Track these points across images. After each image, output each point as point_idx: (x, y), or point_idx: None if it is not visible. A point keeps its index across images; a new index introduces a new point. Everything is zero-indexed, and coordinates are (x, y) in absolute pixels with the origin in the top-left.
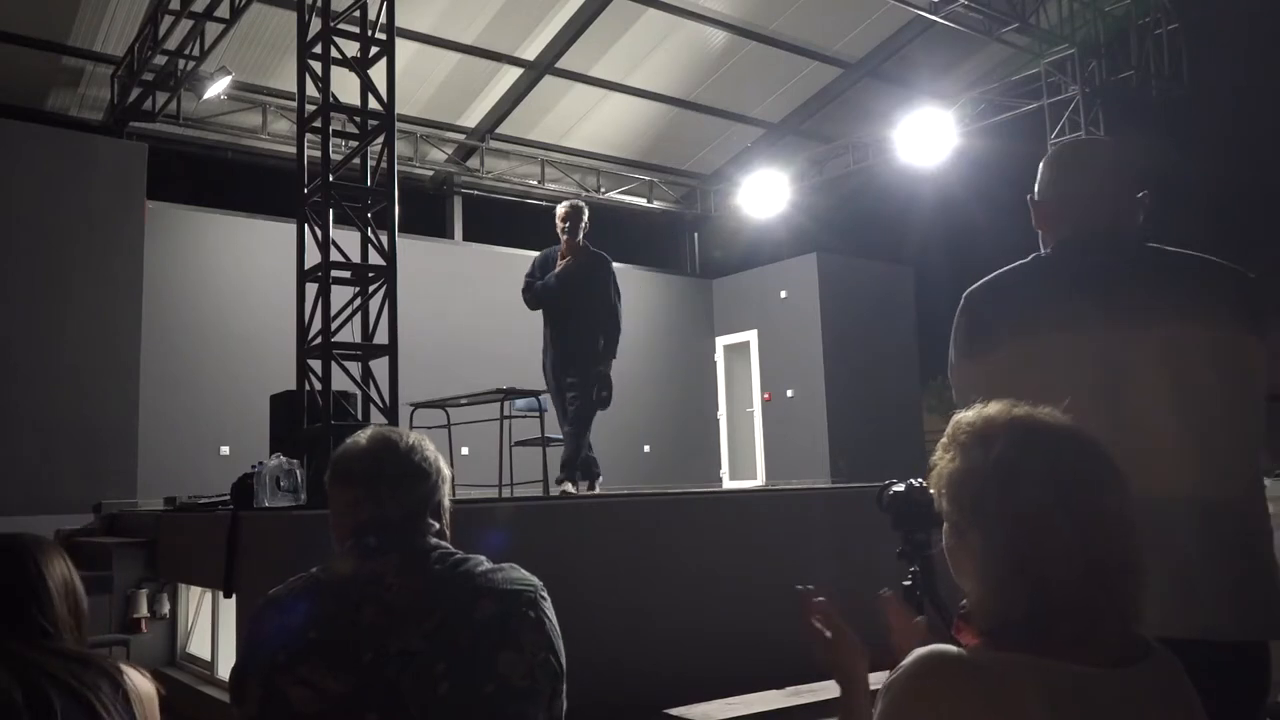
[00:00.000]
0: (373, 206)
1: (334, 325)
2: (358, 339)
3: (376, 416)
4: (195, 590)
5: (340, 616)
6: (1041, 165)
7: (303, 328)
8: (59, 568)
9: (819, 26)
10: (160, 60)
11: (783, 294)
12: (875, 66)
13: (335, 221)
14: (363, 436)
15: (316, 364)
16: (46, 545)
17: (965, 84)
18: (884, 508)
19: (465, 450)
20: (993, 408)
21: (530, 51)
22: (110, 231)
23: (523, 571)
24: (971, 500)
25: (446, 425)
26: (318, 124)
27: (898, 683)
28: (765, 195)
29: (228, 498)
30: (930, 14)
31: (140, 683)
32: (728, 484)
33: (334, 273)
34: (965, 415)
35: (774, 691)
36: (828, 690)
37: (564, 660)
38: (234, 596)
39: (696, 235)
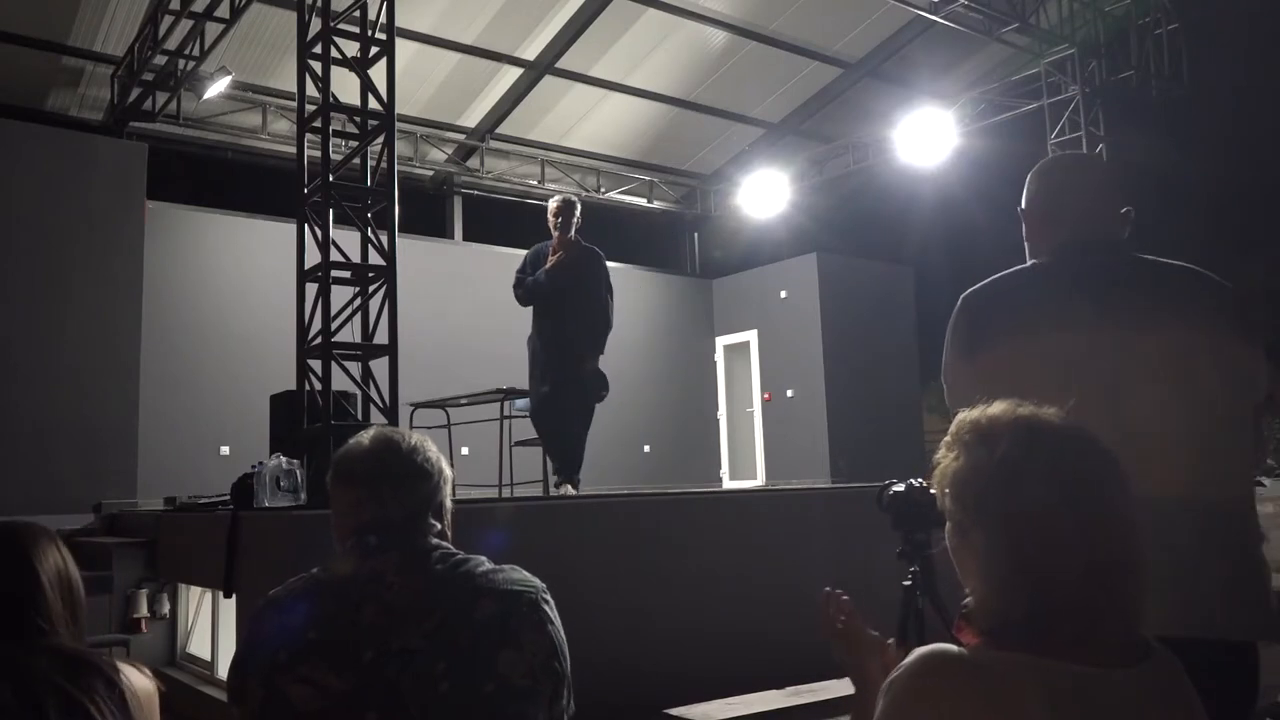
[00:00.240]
0: (373, 206)
1: (334, 325)
2: (358, 339)
3: (376, 416)
4: (195, 590)
5: (341, 616)
6: (1031, 178)
7: (303, 328)
8: (52, 557)
9: (819, 26)
10: (160, 60)
11: (783, 294)
12: (875, 66)
13: (335, 221)
14: (365, 437)
15: (316, 364)
16: (38, 533)
17: (965, 84)
18: (884, 508)
19: (465, 450)
20: (996, 407)
21: (530, 51)
22: (110, 231)
23: (524, 573)
24: (975, 499)
25: (446, 425)
26: (318, 124)
27: (898, 682)
28: (765, 195)
29: (228, 498)
30: (930, 14)
31: (138, 680)
32: (728, 484)
33: (334, 273)
34: (969, 414)
35: (774, 691)
36: (828, 690)
37: (568, 664)
38: (234, 596)
39: (696, 235)
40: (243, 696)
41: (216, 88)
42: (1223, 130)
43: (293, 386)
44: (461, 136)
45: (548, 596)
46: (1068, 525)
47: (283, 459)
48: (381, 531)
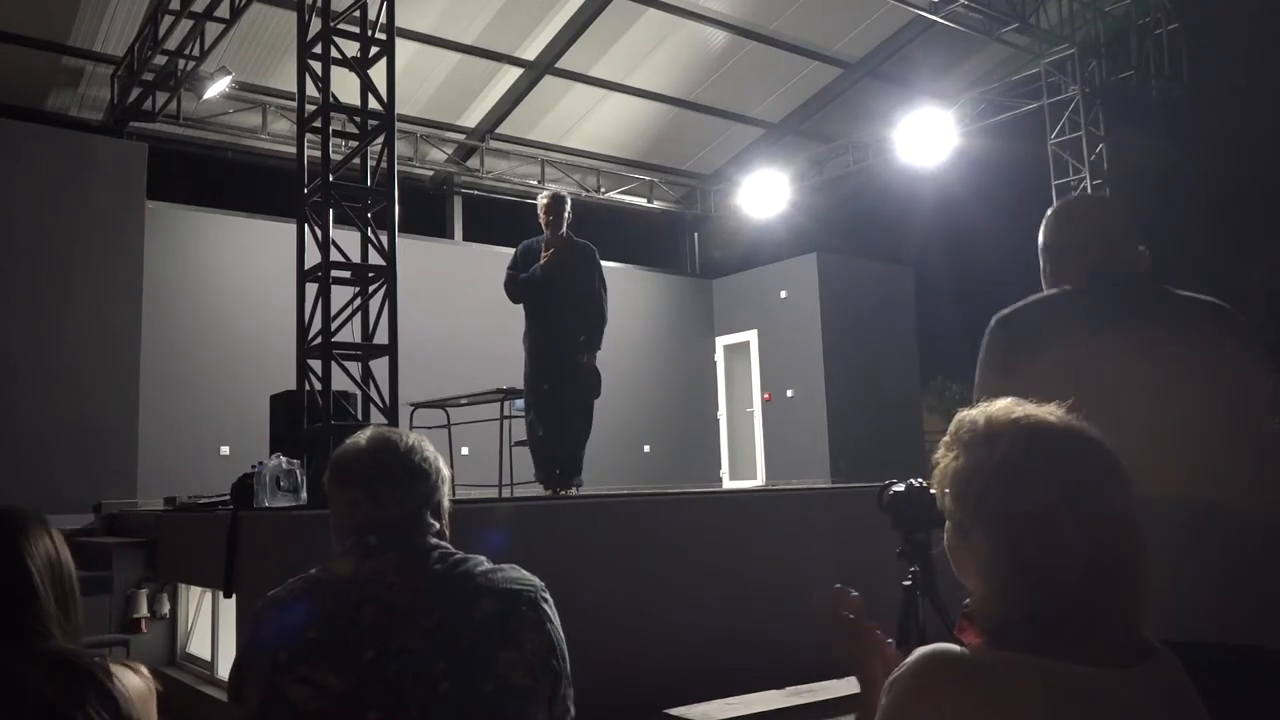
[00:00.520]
0: (373, 206)
1: (334, 325)
2: (358, 339)
3: (376, 416)
4: (195, 590)
5: (340, 616)
6: (1051, 217)
7: (303, 328)
8: (43, 546)
9: (819, 26)
10: (160, 60)
11: (783, 294)
12: (875, 66)
13: (335, 221)
14: (362, 437)
15: (316, 364)
16: (29, 521)
17: (965, 84)
18: (884, 508)
19: (465, 450)
20: (996, 406)
21: (530, 51)
22: (110, 231)
23: (523, 572)
24: (975, 499)
25: (446, 425)
26: (318, 124)
27: (899, 681)
28: (765, 195)
29: (228, 498)
30: (930, 14)
31: (133, 683)
32: (728, 484)
33: (334, 273)
34: (969, 413)
35: (774, 691)
36: (828, 690)
37: (567, 663)
38: (234, 596)
39: (696, 235)
40: (243, 697)
41: (216, 88)
42: (1223, 130)
43: (293, 386)
44: (461, 136)
45: (546, 595)
46: (1068, 525)
47: (283, 459)
48: (380, 531)
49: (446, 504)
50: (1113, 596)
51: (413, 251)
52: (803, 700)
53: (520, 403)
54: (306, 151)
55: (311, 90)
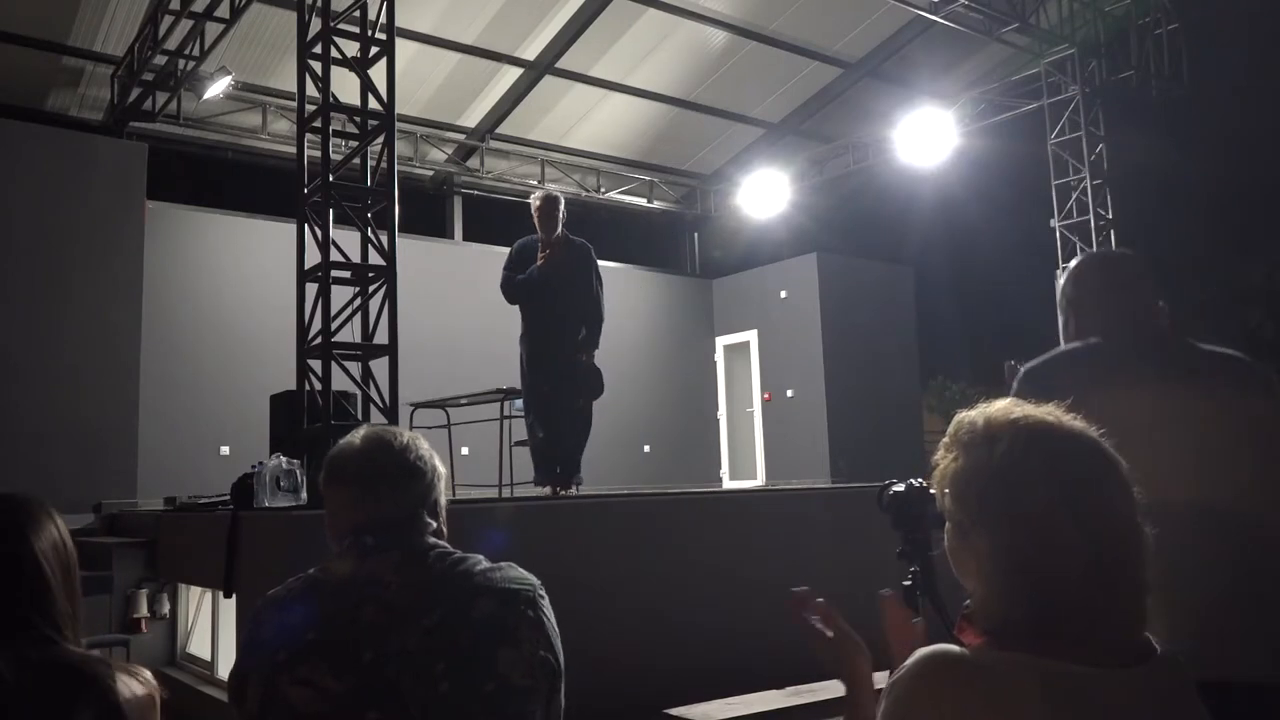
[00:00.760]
0: (373, 206)
1: (334, 325)
2: (358, 339)
3: (376, 416)
4: (195, 590)
5: (340, 616)
6: (1072, 271)
7: (303, 328)
8: (49, 534)
9: (819, 26)
10: (160, 60)
11: (783, 294)
12: (875, 66)
13: (335, 221)
14: (357, 436)
15: (316, 364)
16: (34, 507)
17: (965, 84)
18: (884, 508)
19: (465, 450)
20: (996, 407)
21: (530, 51)
22: (110, 231)
23: (521, 570)
24: (975, 499)
25: (446, 425)
26: (318, 124)
27: (900, 682)
28: (765, 195)
29: (228, 498)
30: (930, 14)
31: (135, 689)
32: (728, 484)
33: (334, 273)
34: (968, 414)
35: (774, 691)
36: (828, 690)
37: (562, 659)
38: (234, 596)
39: (696, 235)
40: (243, 698)
41: (216, 88)
42: (1223, 130)
43: (293, 386)
44: (461, 136)
45: (543, 593)
46: (1067, 525)
47: (283, 459)
48: (378, 531)
49: (443, 503)
50: (1113, 597)
51: (413, 251)
52: (803, 700)
53: (520, 403)
54: (306, 151)
55: (311, 90)
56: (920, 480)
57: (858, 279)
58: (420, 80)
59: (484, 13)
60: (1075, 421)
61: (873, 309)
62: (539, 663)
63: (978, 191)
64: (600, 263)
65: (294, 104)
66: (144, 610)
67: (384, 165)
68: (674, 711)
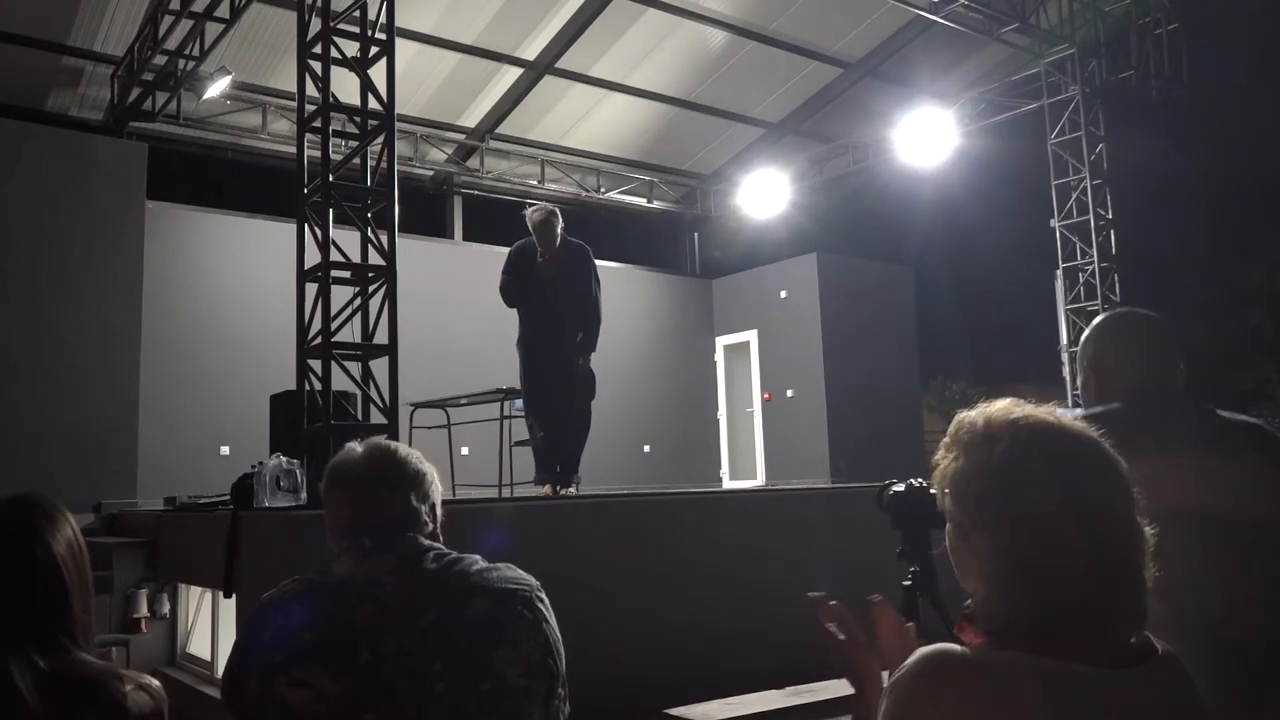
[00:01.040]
0: (373, 206)
1: (334, 325)
2: (358, 339)
3: (376, 416)
4: (195, 590)
5: (336, 617)
6: (1093, 330)
7: (303, 328)
8: (67, 538)
9: (819, 26)
10: (160, 60)
11: (783, 294)
12: (875, 66)
13: (335, 221)
14: (357, 446)
15: (316, 364)
16: (53, 510)
17: (965, 84)
18: (884, 508)
19: (465, 450)
20: (996, 407)
21: (530, 51)
22: (110, 231)
23: (518, 571)
24: (975, 499)
25: (446, 425)
26: (318, 124)
27: (901, 682)
28: (765, 195)
29: (228, 498)
30: (930, 14)
31: (142, 700)
32: (728, 484)
33: (334, 273)
34: (968, 414)
35: (774, 691)
36: (828, 690)
37: (562, 661)
38: (234, 596)
39: (696, 235)
40: (239, 700)
41: (216, 88)
42: (1223, 130)
43: (293, 386)
44: (461, 136)
45: (542, 594)
46: (1068, 525)
47: (283, 459)
48: (375, 533)
49: (439, 505)
50: (1113, 596)
51: (412, 251)
52: (803, 700)
53: (520, 403)
54: (306, 151)
55: (311, 90)
56: (920, 480)
57: (858, 279)
58: (420, 80)
59: (484, 13)
60: (1075, 422)
61: (873, 309)
62: (536, 662)
63: (978, 191)
64: (600, 263)
65: (294, 104)
66: (144, 610)
67: (384, 165)
68: (674, 711)
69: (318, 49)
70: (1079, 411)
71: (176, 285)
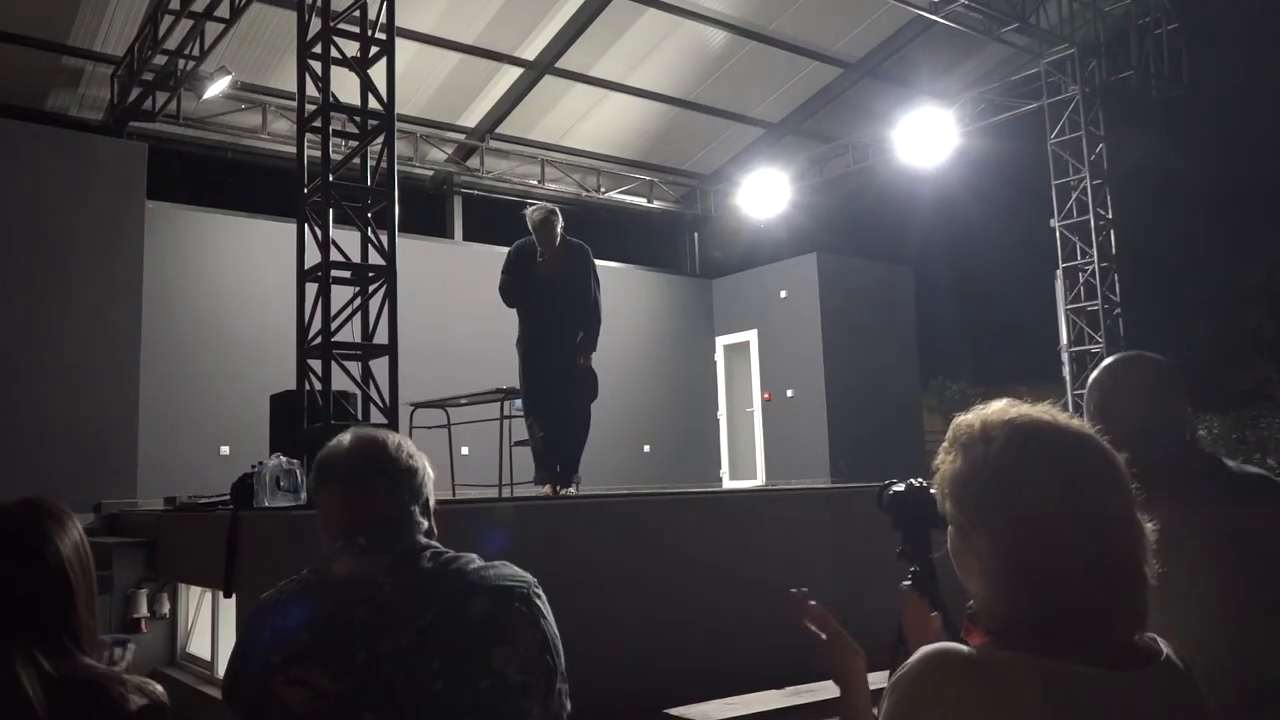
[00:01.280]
0: (373, 206)
1: (334, 325)
2: (358, 339)
3: (376, 416)
4: (195, 590)
5: (334, 617)
6: (1099, 376)
7: (303, 328)
8: (74, 541)
9: (819, 26)
10: (160, 60)
11: (783, 294)
12: (875, 66)
13: (335, 221)
14: (345, 438)
15: (316, 364)
16: (61, 513)
17: (965, 84)
18: (884, 508)
19: (465, 450)
20: (992, 407)
21: (530, 51)
22: (110, 231)
23: (515, 568)
24: (974, 500)
25: (446, 425)
26: (318, 124)
27: (903, 681)
28: (765, 195)
29: (228, 498)
30: (930, 14)
31: (144, 706)
32: (728, 484)
33: (334, 272)
34: (965, 416)
35: (774, 691)
36: (827, 690)
37: (560, 657)
38: (234, 596)
39: (696, 235)
40: (239, 700)
41: (216, 88)
42: (1223, 130)
43: (293, 386)
44: (461, 136)
45: (539, 591)
46: (1067, 525)
47: (283, 459)
48: (371, 532)
49: (433, 502)
50: (1113, 596)
51: (413, 251)
52: (802, 700)
53: (520, 403)
54: (306, 151)
55: (311, 90)
56: (920, 480)
57: (858, 279)
58: (420, 80)
59: (484, 13)
60: (1072, 420)
61: (873, 309)
62: (534, 659)
63: (978, 191)
64: (600, 262)
65: (294, 104)
66: (144, 610)
67: (384, 165)
68: (674, 711)
69: (318, 49)
70: None
71: (176, 285)
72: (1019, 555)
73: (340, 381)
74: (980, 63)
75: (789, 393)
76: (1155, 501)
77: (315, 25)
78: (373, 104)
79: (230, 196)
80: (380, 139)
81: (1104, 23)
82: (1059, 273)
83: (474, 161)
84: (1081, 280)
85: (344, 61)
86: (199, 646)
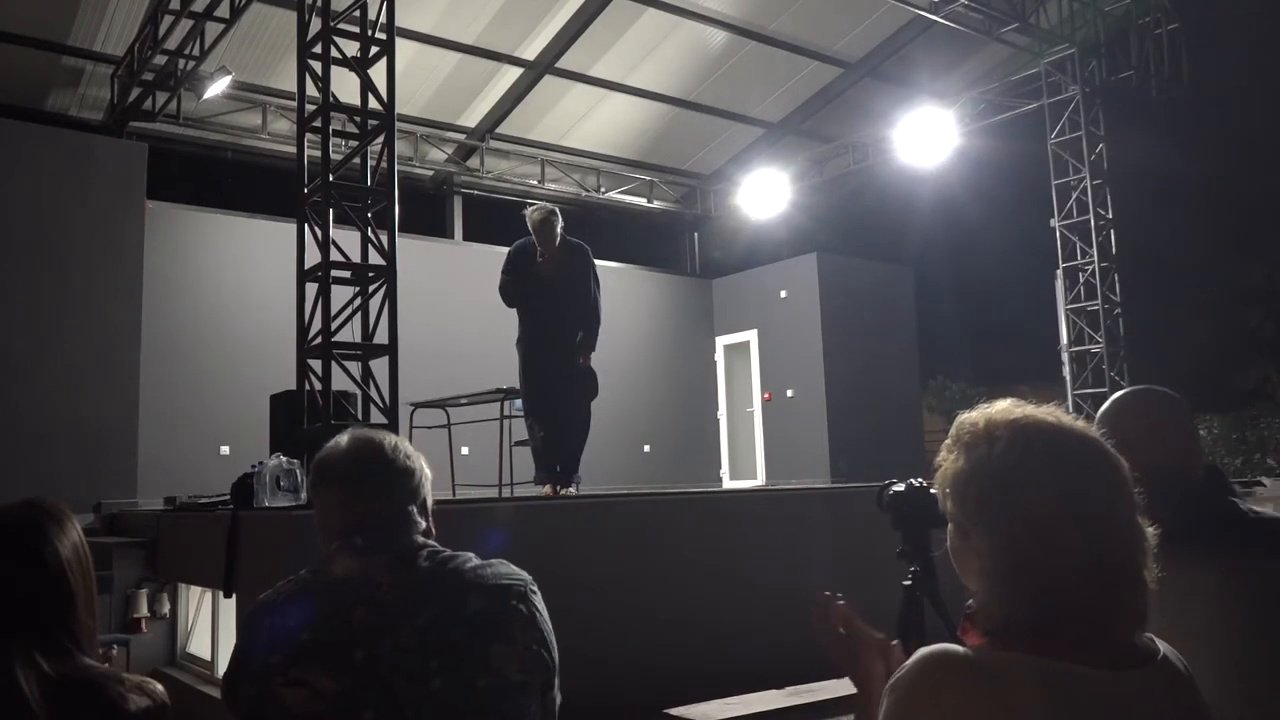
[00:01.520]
0: (373, 206)
1: (334, 325)
2: (358, 339)
3: (376, 416)
4: (195, 590)
5: (333, 617)
6: (1105, 412)
7: (303, 328)
8: (73, 542)
9: (819, 26)
10: (160, 60)
11: (783, 294)
12: (875, 66)
13: (335, 221)
14: (342, 439)
15: (316, 364)
16: (61, 514)
17: (965, 84)
18: (884, 508)
19: (465, 450)
20: (996, 407)
21: (530, 51)
22: (110, 231)
23: (511, 566)
24: (975, 500)
25: (446, 425)
26: (318, 124)
27: (902, 682)
28: (765, 195)
29: (228, 498)
30: (930, 14)
31: (144, 706)
32: (728, 484)
33: (334, 272)
34: (969, 415)
35: (774, 691)
36: (827, 690)
37: (556, 655)
38: (234, 596)
39: (696, 235)
40: (238, 701)
41: (216, 88)
42: (1223, 130)
43: (293, 386)
44: (461, 136)
45: (535, 588)
46: (1067, 525)
47: (283, 459)
48: (368, 532)
49: (431, 502)
50: (1113, 597)
51: (412, 251)
52: (802, 700)
53: (520, 403)
54: (306, 151)
55: (311, 90)
56: (920, 480)
57: (858, 279)
58: (420, 80)
59: (484, 13)
60: (1076, 421)
61: (873, 309)
62: (532, 657)
63: (977, 191)
64: (600, 262)
65: (294, 104)
66: (144, 610)
67: (384, 165)
68: (674, 711)
69: (318, 49)
70: None
71: (176, 285)
72: (1019, 555)
73: (340, 381)
74: (980, 63)
75: (789, 393)
76: (1180, 558)
77: (315, 25)
78: (373, 104)
79: (230, 196)
80: (380, 139)
81: (1104, 23)
82: (1059, 273)
83: (474, 161)
84: (1081, 280)
85: (344, 61)
86: (199, 646)
